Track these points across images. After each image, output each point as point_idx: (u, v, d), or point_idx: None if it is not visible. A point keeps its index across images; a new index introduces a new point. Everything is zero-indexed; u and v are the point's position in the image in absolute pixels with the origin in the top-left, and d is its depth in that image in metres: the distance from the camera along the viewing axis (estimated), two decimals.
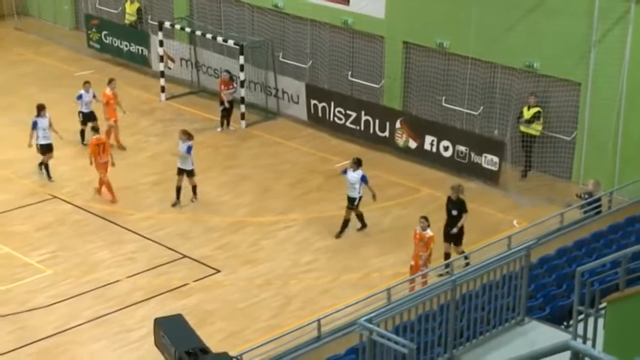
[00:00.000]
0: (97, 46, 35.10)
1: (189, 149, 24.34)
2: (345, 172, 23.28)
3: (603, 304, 13.56)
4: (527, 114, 26.17)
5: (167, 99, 31.64)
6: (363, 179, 22.94)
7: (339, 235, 23.30)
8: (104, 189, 24.80)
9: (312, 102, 29.70)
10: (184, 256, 22.37)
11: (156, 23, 32.43)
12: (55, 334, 19.37)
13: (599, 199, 21.31)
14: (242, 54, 29.58)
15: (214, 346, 16.57)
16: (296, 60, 31.43)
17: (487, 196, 25.46)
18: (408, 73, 29.00)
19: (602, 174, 24.10)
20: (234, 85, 29.51)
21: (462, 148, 26.56)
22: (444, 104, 28.34)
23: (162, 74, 31.63)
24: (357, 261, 22.37)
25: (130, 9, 35.05)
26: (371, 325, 12.82)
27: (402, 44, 28.84)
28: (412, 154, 27.50)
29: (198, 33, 31.34)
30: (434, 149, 27.08)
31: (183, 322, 15.93)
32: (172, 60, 32.62)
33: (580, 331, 13.99)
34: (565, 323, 16.30)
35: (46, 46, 36.44)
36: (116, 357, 18.83)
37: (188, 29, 31.65)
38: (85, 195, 25.00)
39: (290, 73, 31.05)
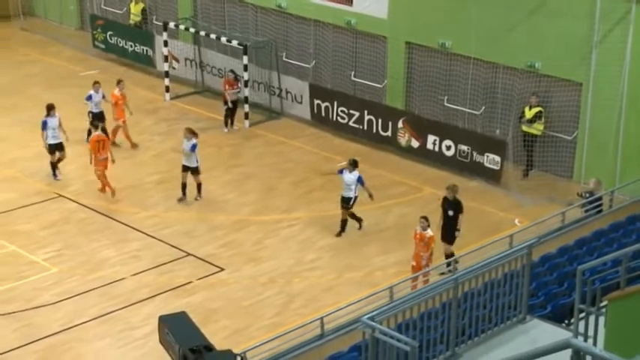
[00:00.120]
0: (102, 46, 35.24)
1: (193, 147, 24.47)
2: (341, 172, 23.33)
3: (604, 303, 13.55)
4: (529, 114, 26.25)
5: (171, 99, 31.78)
6: (360, 180, 23.03)
7: (339, 234, 23.43)
8: (102, 183, 24.96)
9: (316, 101, 29.80)
10: (189, 254, 22.45)
11: (160, 23, 32.60)
12: (60, 332, 19.43)
13: (600, 198, 21.32)
14: (246, 54, 29.68)
15: (218, 343, 16.66)
16: (299, 60, 31.52)
17: (489, 195, 25.56)
18: (411, 73, 29.09)
19: (603, 173, 24.15)
20: (239, 85, 29.62)
21: (464, 148, 26.66)
22: (446, 104, 28.42)
23: (166, 74, 31.75)
24: (359, 259, 22.45)
25: (135, 9, 35.18)
26: (373, 323, 12.84)
27: (405, 44, 28.92)
28: (414, 154, 27.59)
29: (203, 33, 31.44)
30: (436, 148, 27.18)
31: (188, 319, 16.02)
32: (177, 60, 32.75)
33: (581, 329, 14.00)
34: (566, 321, 16.29)
35: (51, 46, 36.61)
36: (121, 354, 18.87)
37: (192, 29, 31.77)
38: (91, 193, 25.09)
39: (293, 73, 31.14)
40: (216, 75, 31.97)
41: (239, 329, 19.53)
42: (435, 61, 28.46)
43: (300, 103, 30.27)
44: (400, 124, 27.82)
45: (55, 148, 25.72)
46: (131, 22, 35.32)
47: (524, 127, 26.39)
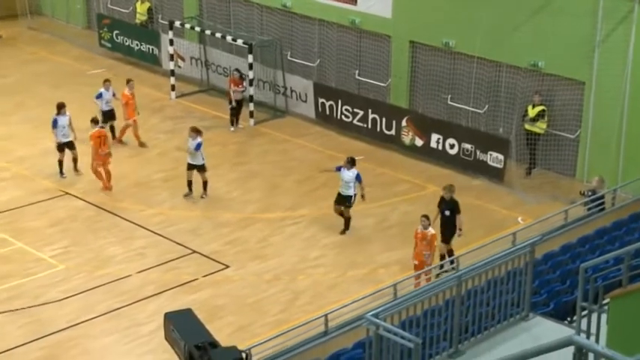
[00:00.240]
0: (109, 45, 35.37)
1: (198, 146, 24.58)
2: (338, 169, 23.37)
3: (606, 300, 13.53)
4: (532, 112, 26.33)
5: (177, 97, 31.90)
6: (358, 178, 23.12)
7: (343, 232, 23.52)
8: (96, 177, 25.19)
9: (320, 100, 29.91)
10: (194, 252, 22.55)
11: (166, 22, 32.68)
12: (67, 328, 19.50)
13: (602, 197, 21.39)
14: (251, 53, 29.78)
15: (223, 340, 16.66)
16: (304, 59, 31.61)
17: (492, 193, 25.66)
18: (415, 72, 29.17)
19: (605, 171, 24.17)
20: (244, 84, 29.72)
21: (467, 146, 26.76)
22: (449, 103, 28.51)
23: (172, 73, 31.88)
24: (363, 257, 22.55)
25: (141, 8, 35.28)
26: (377, 320, 12.88)
27: (409, 43, 29.01)
28: (418, 152, 27.68)
29: (208, 32, 31.55)
30: (440, 147, 27.27)
31: (193, 316, 16.07)
32: (182, 59, 32.87)
33: (584, 326, 14.00)
34: (569, 319, 16.36)
35: (58, 45, 36.76)
36: (127, 351, 18.95)
37: (198, 28, 31.87)
38: (97, 191, 25.25)
39: (298, 72, 31.24)
40: (222, 74, 32.09)
41: (244, 326, 19.61)
42: (439, 60, 28.55)
43: (305, 101, 30.38)
44: (404, 123, 27.92)
45: (65, 147, 25.80)
46: (137, 21, 35.43)
47: (528, 126, 26.46)
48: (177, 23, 32.03)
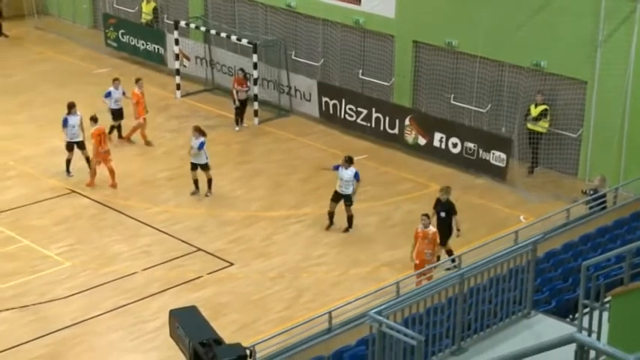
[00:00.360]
0: (115, 44, 35.50)
1: (201, 145, 24.69)
2: (336, 168, 23.41)
3: (608, 298, 13.52)
4: (535, 112, 26.41)
5: (182, 96, 32.03)
6: (356, 177, 23.20)
7: (346, 230, 23.61)
8: (91, 172, 25.38)
9: (324, 99, 30.02)
10: (199, 250, 22.65)
11: (172, 22, 32.84)
12: (72, 325, 19.60)
13: (604, 195, 21.49)
14: (255, 52, 29.86)
15: (228, 337, 16.70)
16: (308, 58, 31.70)
17: (495, 191, 25.74)
18: (418, 71, 29.25)
19: (607, 170, 24.26)
20: (248, 84, 29.81)
21: (470, 145, 26.85)
22: (452, 102, 28.58)
23: (177, 72, 32.03)
24: (366, 255, 22.63)
25: (147, 8, 35.39)
26: (381, 318, 12.92)
27: (412, 43, 29.08)
28: (421, 151, 27.75)
29: (213, 32, 31.66)
30: (443, 146, 27.36)
31: (198, 313, 16.13)
32: (187, 58, 32.99)
33: (585, 324, 14.05)
34: (570, 316, 16.46)
35: (65, 44, 36.89)
36: (132, 347, 19.05)
37: (203, 28, 31.99)
38: (103, 190, 25.37)
39: (302, 71, 31.34)
40: (227, 73, 32.21)
41: (248, 323, 19.71)
42: (442, 59, 28.63)
43: (309, 100, 30.49)
44: (407, 122, 28.01)
45: (75, 146, 25.85)
46: (143, 20, 35.54)
47: (530, 125, 26.54)
48: (182, 23, 32.15)
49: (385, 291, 17.04)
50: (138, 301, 20.54)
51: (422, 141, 27.77)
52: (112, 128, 28.09)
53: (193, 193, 25.16)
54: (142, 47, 34.68)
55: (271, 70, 31.09)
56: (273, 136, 29.35)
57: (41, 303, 20.39)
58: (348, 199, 23.34)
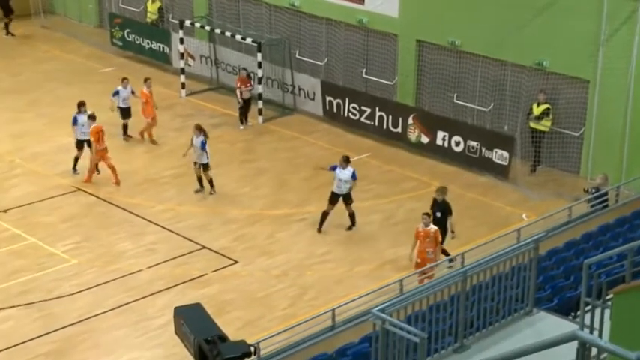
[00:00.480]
0: (120, 43, 35.65)
1: (203, 145, 24.82)
2: (333, 168, 23.42)
3: (610, 296, 13.45)
4: (537, 110, 26.48)
5: (187, 95, 32.17)
6: (354, 176, 23.25)
7: (350, 228, 23.71)
8: (90, 170, 25.51)
9: (328, 98, 30.11)
10: (203, 247, 22.75)
11: (177, 22, 32.97)
12: (78, 322, 19.72)
13: (606, 194, 21.51)
14: (260, 51, 29.97)
15: (232, 334, 16.60)
16: (312, 57, 31.78)
17: (497, 190, 25.81)
18: (421, 70, 29.33)
19: (609, 169, 24.31)
20: (252, 83, 29.93)
21: (473, 144, 26.93)
22: (455, 101, 28.67)
23: (182, 71, 32.16)
24: (370, 252, 22.71)
25: (152, 8, 35.51)
26: (384, 315, 12.91)
27: (415, 42, 29.16)
28: (424, 149, 27.84)
29: (218, 31, 31.75)
30: (446, 144, 27.45)
31: (203, 310, 16.19)
32: (192, 57, 33.11)
33: (587, 321, 14.04)
34: (572, 314, 16.41)
35: (71, 43, 37.03)
36: (137, 344, 19.14)
37: (208, 27, 32.08)
38: (109, 188, 25.53)
39: (306, 70, 31.43)
40: (231, 72, 32.30)
41: (252, 320, 19.79)
42: (445, 58, 28.71)
43: (313, 99, 30.59)
44: (410, 121, 28.10)
45: (85, 144, 25.89)
46: (148, 20, 35.66)
47: (532, 124, 26.61)
48: (187, 22, 32.27)
49: (388, 288, 17.08)
50: (143, 298, 20.64)
51: (425, 139, 27.86)
52: (124, 127, 28.29)
53: (197, 191, 25.29)
54: (147, 46, 34.81)
55: (275, 69, 31.18)
56: (277, 135, 29.45)
57: (48, 300, 20.51)
58: (348, 198, 23.42)
